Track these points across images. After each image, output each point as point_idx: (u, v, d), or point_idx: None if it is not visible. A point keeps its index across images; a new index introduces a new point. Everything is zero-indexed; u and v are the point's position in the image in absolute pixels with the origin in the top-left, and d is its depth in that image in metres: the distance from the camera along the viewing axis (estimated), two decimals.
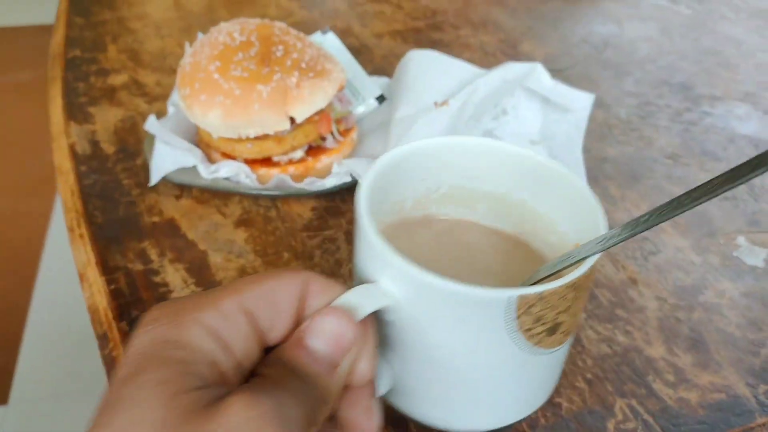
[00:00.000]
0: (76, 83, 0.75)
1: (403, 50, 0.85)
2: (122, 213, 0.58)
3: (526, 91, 0.68)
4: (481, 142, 0.38)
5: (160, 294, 0.50)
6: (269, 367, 0.25)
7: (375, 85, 0.69)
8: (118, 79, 0.76)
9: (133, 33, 0.86)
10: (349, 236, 0.57)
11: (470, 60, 0.75)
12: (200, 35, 0.68)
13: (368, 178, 0.34)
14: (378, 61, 0.82)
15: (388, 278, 0.30)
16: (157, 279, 0.52)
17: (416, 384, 0.33)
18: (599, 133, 0.72)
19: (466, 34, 0.91)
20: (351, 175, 0.58)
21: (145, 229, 0.56)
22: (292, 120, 0.56)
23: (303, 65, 0.56)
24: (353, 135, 0.63)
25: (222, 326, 0.25)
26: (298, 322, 0.27)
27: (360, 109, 0.68)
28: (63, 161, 0.64)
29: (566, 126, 0.69)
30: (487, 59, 0.83)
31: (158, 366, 0.22)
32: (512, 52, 0.86)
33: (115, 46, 0.83)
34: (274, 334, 0.27)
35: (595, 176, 0.65)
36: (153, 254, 0.54)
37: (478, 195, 0.39)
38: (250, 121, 0.55)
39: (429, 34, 0.90)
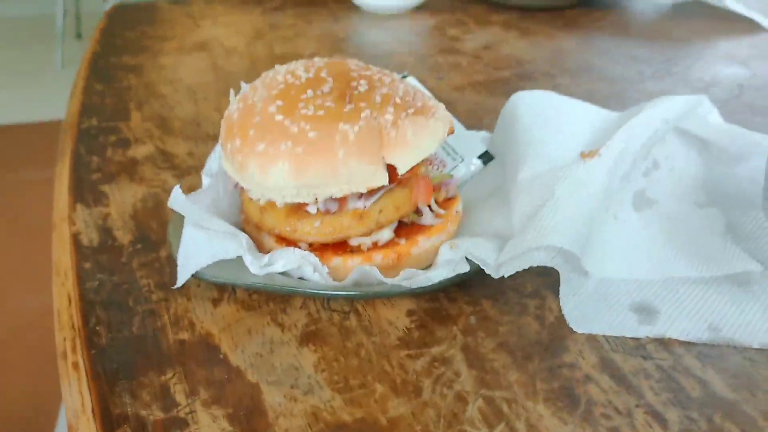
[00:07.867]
0: (88, 157, 0.59)
1: (491, 103, 0.68)
2: (137, 329, 0.40)
3: (682, 135, 0.50)
4: None
5: None
6: None
7: (476, 139, 0.52)
8: (141, 151, 0.60)
9: (162, 98, 0.71)
10: (468, 352, 0.38)
11: None
12: (244, 85, 0.52)
13: None
14: (463, 116, 0.65)
15: None
16: None
17: None
18: None
19: (565, 82, 0.74)
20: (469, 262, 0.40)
21: (169, 353, 0.38)
22: (392, 174, 0.39)
23: (398, 100, 0.39)
24: (457, 206, 0.45)
25: None
26: None
27: (460, 172, 0.50)
28: (62, 256, 0.47)
29: (737, 180, 0.51)
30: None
31: None
32: (627, 101, 0.68)
33: (139, 114, 0.68)
34: None
35: None
36: (179, 393, 0.36)
37: None
38: (333, 173, 0.37)
39: (519, 84, 0.74)
